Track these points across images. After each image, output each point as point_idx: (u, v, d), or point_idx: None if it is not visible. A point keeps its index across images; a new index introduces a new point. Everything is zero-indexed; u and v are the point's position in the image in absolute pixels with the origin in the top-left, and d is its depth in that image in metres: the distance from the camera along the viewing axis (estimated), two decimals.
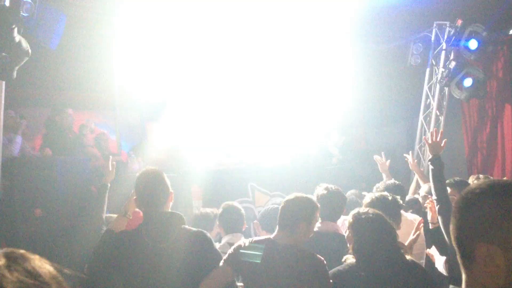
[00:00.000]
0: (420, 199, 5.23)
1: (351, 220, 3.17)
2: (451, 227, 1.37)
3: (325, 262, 3.11)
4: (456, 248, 1.35)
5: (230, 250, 3.22)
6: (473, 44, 8.54)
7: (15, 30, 5.61)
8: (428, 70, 9.13)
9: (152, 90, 8.57)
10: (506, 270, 1.22)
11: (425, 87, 9.24)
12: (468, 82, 8.81)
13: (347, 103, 10.36)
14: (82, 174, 5.69)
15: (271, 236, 3.25)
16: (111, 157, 6.39)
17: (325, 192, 4.10)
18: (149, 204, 3.18)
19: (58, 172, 5.34)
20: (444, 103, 9.23)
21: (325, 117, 10.01)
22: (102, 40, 7.52)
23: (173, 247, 3.03)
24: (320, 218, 3.78)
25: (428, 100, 9.24)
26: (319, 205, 3.39)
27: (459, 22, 8.62)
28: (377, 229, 3.01)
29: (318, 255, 3.15)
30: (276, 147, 8.32)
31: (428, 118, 9.27)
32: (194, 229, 3.22)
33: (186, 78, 8.89)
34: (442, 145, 4.19)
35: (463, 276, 1.33)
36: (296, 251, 3.13)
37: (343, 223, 4.04)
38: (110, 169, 4.40)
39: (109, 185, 4.33)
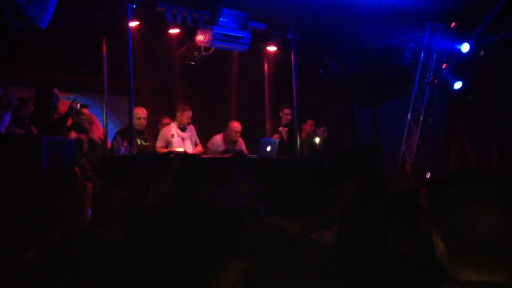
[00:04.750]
0: None
1: None
2: None
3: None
4: None
5: (240, 241, 3.07)
6: (465, 47, 8.61)
7: (6, 6, 5.53)
8: (419, 70, 9.17)
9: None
10: None
11: (415, 88, 9.28)
12: (458, 84, 8.89)
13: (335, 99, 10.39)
14: (66, 154, 5.63)
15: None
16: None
17: None
18: (188, 189, 3.21)
19: (43, 151, 5.28)
20: (433, 104, 9.28)
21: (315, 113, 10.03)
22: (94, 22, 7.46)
23: (198, 233, 3.09)
24: None
25: (417, 100, 9.28)
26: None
27: (453, 25, 8.69)
28: None
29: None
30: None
31: (416, 119, 9.32)
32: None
33: None
34: None
35: None
36: (305, 241, 2.95)
37: None
38: None
39: None
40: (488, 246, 1.18)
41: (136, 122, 7.40)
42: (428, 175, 8.64)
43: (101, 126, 8.26)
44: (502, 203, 1.18)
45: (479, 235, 1.18)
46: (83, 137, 6.97)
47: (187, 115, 7.84)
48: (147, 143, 7.71)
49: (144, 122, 7.67)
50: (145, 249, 3.18)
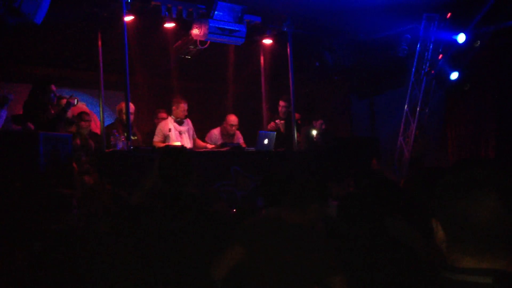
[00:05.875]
0: None
1: None
2: None
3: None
4: None
5: (240, 229, 3.09)
6: (461, 37, 8.61)
7: (0, 2, 5.50)
8: (415, 62, 9.16)
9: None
10: None
11: (412, 79, 9.28)
12: (454, 75, 8.90)
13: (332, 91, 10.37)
14: (64, 150, 5.63)
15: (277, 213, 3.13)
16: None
17: None
18: (174, 182, 3.20)
19: (40, 147, 5.29)
20: (430, 95, 9.29)
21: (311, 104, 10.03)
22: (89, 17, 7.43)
23: (188, 227, 3.06)
24: None
25: (414, 91, 9.28)
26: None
27: (449, 15, 8.69)
28: None
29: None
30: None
31: (413, 110, 9.32)
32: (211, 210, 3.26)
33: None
34: None
35: None
36: (305, 231, 2.93)
37: None
38: None
39: None
40: (488, 233, 1.18)
41: (123, 117, 7.42)
42: None
43: (99, 122, 8.24)
44: (501, 191, 1.18)
45: (479, 222, 1.19)
46: (73, 130, 6.85)
47: (182, 107, 7.83)
48: (136, 137, 7.67)
49: (131, 117, 7.58)
50: (135, 245, 3.18)
